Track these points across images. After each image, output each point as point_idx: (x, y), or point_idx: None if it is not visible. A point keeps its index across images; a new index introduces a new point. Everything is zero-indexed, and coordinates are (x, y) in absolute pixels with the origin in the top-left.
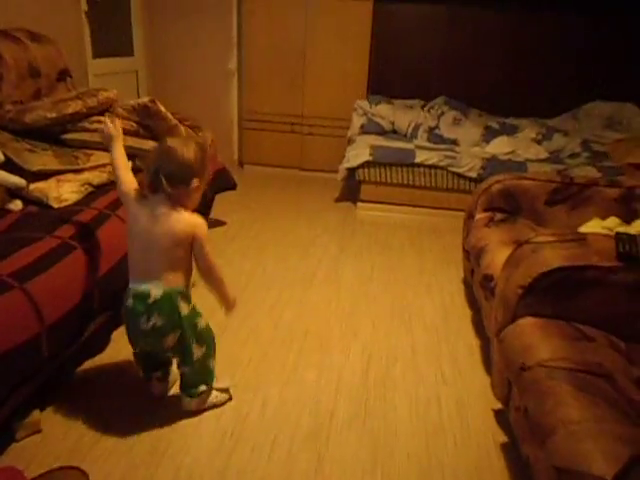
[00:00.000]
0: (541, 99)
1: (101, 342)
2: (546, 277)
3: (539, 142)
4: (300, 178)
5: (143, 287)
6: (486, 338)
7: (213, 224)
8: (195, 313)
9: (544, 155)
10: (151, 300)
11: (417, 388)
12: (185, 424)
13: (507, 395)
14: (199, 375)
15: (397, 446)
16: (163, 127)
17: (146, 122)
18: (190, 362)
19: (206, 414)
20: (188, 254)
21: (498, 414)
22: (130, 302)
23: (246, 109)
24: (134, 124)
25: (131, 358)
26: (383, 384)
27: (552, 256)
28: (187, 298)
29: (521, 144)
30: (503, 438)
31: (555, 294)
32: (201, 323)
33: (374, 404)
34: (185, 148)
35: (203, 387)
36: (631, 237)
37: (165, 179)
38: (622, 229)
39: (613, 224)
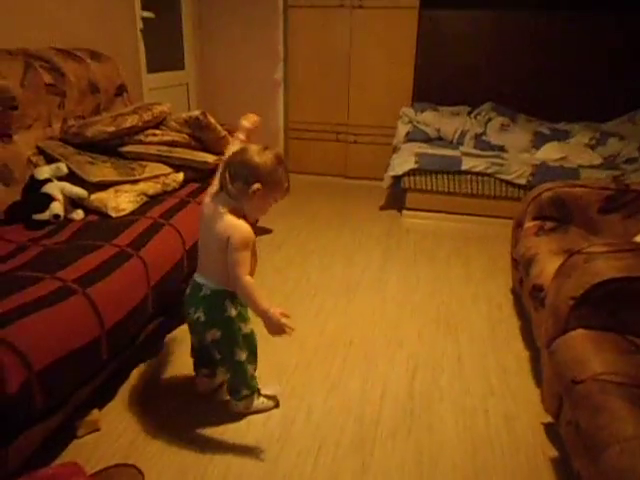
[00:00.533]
0: (594, 103)
1: (155, 346)
2: (599, 288)
3: (593, 147)
4: (345, 186)
5: (200, 279)
6: (536, 349)
7: (260, 232)
8: (241, 317)
9: (598, 161)
10: (202, 294)
11: (464, 399)
12: (233, 427)
13: (558, 408)
14: (239, 379)
15: (442, 457)
16: (213, 138)
17: (197, 134)
18: (229, 363)
19: (253, 419)
20: None
21: (548, 428)
22: (188, 290)
23: (292, 118)
24: (186, 136)
25: (182, 362)
26: (429, 394)
27: (605, 267)
28: (236, 301)
29: (573, 150)
30: (553, 453)
31: (608, 306)
32: (245, 329)
33: (420, 414)
34: (259, 152)
35: (246, 391)
36: None
37: (229, 175)
38: None
39: None
